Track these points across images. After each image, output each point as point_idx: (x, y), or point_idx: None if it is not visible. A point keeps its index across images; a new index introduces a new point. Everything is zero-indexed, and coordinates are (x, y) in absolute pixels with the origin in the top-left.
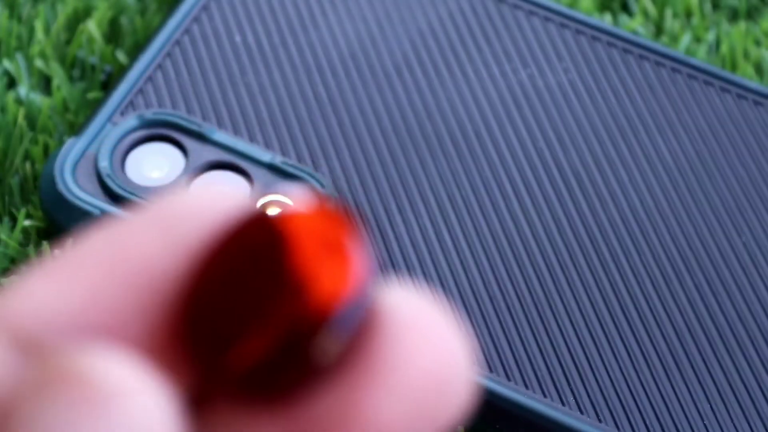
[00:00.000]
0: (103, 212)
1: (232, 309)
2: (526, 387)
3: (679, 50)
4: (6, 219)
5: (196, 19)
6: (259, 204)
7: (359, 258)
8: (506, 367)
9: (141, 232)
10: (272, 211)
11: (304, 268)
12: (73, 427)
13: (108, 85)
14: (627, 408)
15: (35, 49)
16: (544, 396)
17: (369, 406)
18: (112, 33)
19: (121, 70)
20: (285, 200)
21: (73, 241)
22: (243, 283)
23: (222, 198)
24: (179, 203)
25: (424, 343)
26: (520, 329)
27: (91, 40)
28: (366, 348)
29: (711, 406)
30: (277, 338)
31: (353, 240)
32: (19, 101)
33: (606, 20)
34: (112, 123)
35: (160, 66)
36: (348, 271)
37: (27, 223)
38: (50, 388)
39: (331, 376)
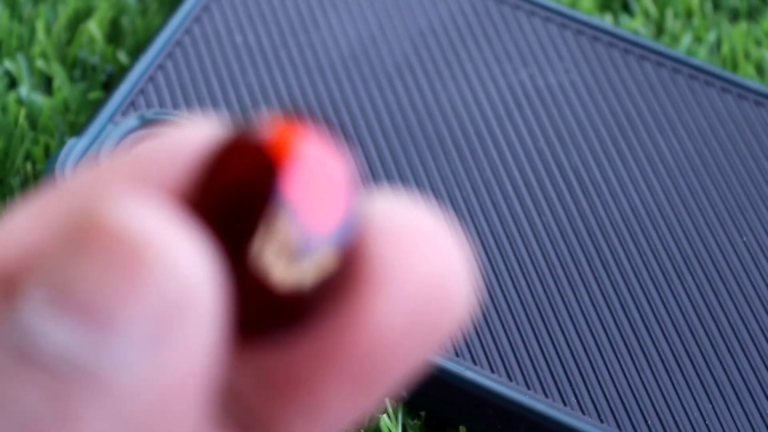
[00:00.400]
0: None
1: (229, 230)
2: (528, 387)
3: (680, 50)
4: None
5: (197, 19)
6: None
7: (342, 168)
8: (508, 367)
9: (116, 174)
10: (248, 136)
11: (293, 189)
12: (105, 289)
13: (109, 86)
14: (629, 408)
15: (36, 49)
16: (546, 396)
17: (370, 318)
18: (113, 33)
19: (122, 71)
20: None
21: (43, 189)
22: (235, 205)
23: (192, 134)
24: (153, 146)
25: (420, 251)
26: (522, 329)
27: (92, 40)
28: (363, 260)
29: (713, 406)
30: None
31: (330, 150)
32: (20, 101)
33: (607, 20)
34: (113, 123)
35: (161, 66)
36: (334, 184)
37: None
38: (76, 242)
39: (334, 293)
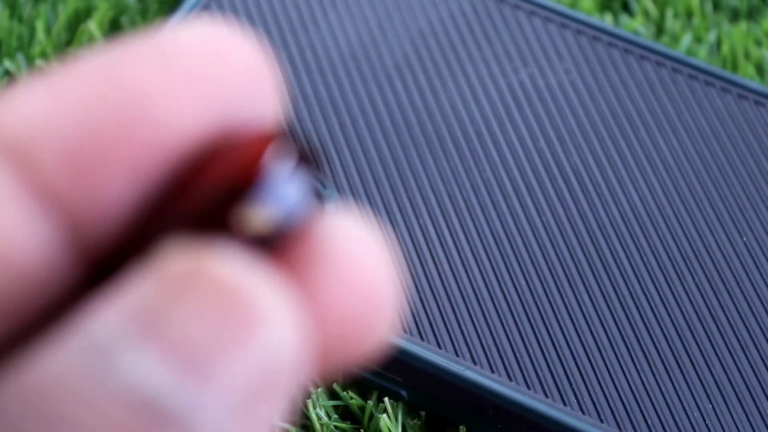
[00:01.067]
0: None
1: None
2: (528, 387)
3: (680, 50)
4: None
5: (198, 18)
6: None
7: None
8: (508, 367)
9: (138, 59)
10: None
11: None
12: (209, 339)
13: None
14: (629, 408)
15: (36, 49)
16: (546, 396)
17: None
18: (113, 33)
19: None
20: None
21: (66, 61)
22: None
23: (216, 36)
24: (176, 38)
25: (352, 270)
26: (522, 329)
27: (92, 40)
28: (302, 260)
29: (713, 406)
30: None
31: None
32: None
33: (607, 20)
34: None
35: None
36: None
37: None
38: (177, 284)
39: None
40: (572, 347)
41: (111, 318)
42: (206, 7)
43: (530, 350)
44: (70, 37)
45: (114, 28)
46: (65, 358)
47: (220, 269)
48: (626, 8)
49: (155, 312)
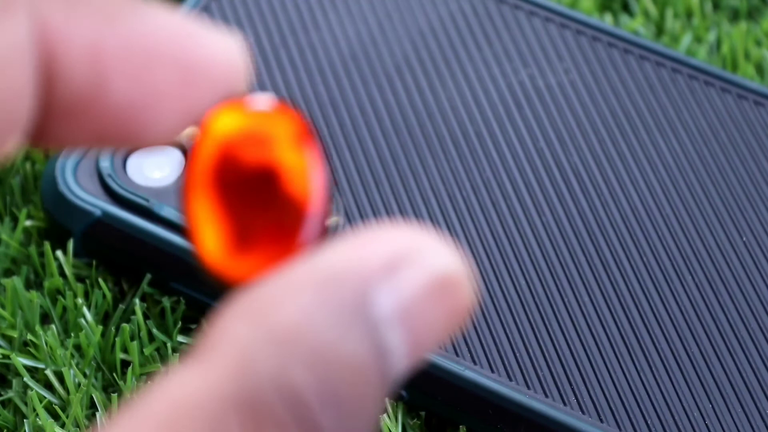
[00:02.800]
0: (105, 212)
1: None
2: (528, 387)
3: (680, 50)
4: (7, 219)
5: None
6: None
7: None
8: (508, 367)
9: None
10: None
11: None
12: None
13: None
14: (628, 408)
15: None
16: (546, 396)
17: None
18: None
19: None
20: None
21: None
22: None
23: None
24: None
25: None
26: (522, 329)
27: None
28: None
29: (712, 405)
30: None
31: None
32: None
33: (607, 20)
34: None
35: None
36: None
37: (28, 223)
38: (435, 285)
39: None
40: (572, 347)
41: (381, 300)
42: (206, 8)
43: (530, 350)
44: None
45: None
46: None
47: (456, 269)
48: (626, 8)
49: (415, 305)
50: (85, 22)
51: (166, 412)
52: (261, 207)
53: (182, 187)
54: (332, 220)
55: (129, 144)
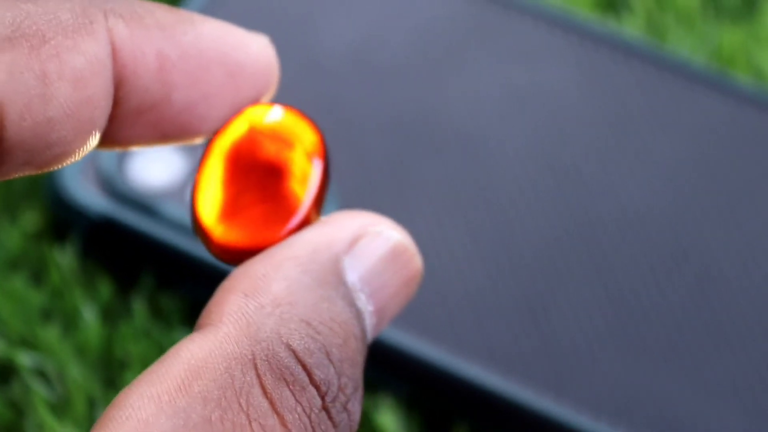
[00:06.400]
0: (106, 212)
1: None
2: (528, 386)
3: (680, 53)
4: (9, 220)
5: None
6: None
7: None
8: (508, 365)
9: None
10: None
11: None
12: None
13: None
14: (629, 407)
15: None
16: (546, 395)
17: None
18: None
19: None
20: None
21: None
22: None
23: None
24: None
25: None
26: (522, 328)
27: None
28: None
29: (712, 403)
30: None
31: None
32: None
33: (607, 22)
34: None
35: None
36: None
37: (30, 222)
38: (389, 256)
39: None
40: (572, 345)
41: (347, 273)
42: (206, 9)
43: (530, 348)
44: None
45: None
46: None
47: (403, 240)
48: (626, 10)
49: (375, 273)
50: (150, 37)
51: (185, 372)
52: (259, 192)
53: (203, 152)
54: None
55: (187, 139)
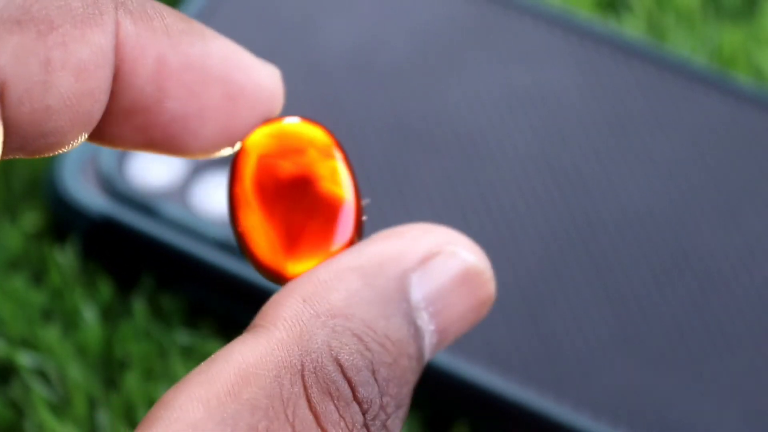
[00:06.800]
0: (106, 212)
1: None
2: (528, 386)
3: (680, 53)
4: (9, 220)
5: (199, 20)
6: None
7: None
8: (508, 365)
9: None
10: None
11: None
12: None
13: None
14: (629, 408)
15: None
16: (545, 395)
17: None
18: None
19: None
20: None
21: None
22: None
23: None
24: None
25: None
26: (522, 328)
27: None
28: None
29: (712, 404)
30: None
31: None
32: None
33: (607, 22)
34: None
35: None
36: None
37: (30, 223)
38: (459, 279)
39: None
40: (572, 346)
41: (412, 287)
42: (206, 10)
43: (530, 348)
44: None
45: None
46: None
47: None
48: (626, 10)
49: (440, 296)
50: (154, 39)
51: (235, 377)
52: (302, 209)
53: (230, 202)
54: (365, 217)
55: (173, 152)
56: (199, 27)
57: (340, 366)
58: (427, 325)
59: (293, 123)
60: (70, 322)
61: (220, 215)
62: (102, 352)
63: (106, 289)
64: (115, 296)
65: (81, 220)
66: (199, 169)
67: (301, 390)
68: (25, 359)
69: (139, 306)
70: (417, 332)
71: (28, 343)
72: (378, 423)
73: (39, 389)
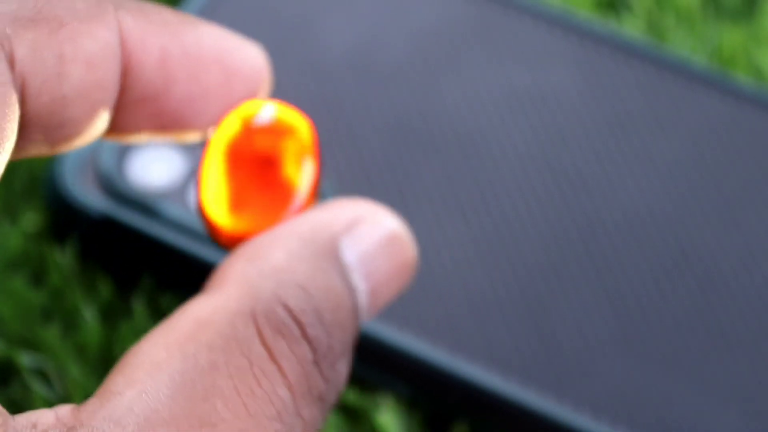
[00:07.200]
0: (105, 212)
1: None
2: (528, 386)
3: (680, 53)
4: (9, 220)
5: None
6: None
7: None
8: (508, 365)
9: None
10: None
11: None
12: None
13: None
14: (629, 408)
15: None
16: (545, 394)
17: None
18: None
19: None
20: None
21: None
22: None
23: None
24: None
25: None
26: (521, 327)
27: None
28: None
29: (712, 404)
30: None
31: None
32: None
33: (607, 22)
34: None
35: None
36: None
37: (29, 222)
38: (385, 240)
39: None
40: (572, 346)
41: (344, 252)
42: (207, 10)
43: (530, 348)
44: None
45: None
46: (305, 246)
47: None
48: (626, 11)
49: (371, 254)
50: (155, 32)
51: (190, 328)
52: (261, 185)
53: (204, 150)
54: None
55: (182, 131)
56: (189, 17)
57: (289, 310)
58: (359, 283)
59: (283, 107)
60: (69, 322)
61: None
62: (102, 352)
63: (105, 289)
64: (115, 296)
65: (81, 220)
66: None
67: (254, 330)
68: (25, 359)
69: (138, 306)
70: (351, 289)
71: (28, 343)
72: (327, 363)
73: (39, 389)
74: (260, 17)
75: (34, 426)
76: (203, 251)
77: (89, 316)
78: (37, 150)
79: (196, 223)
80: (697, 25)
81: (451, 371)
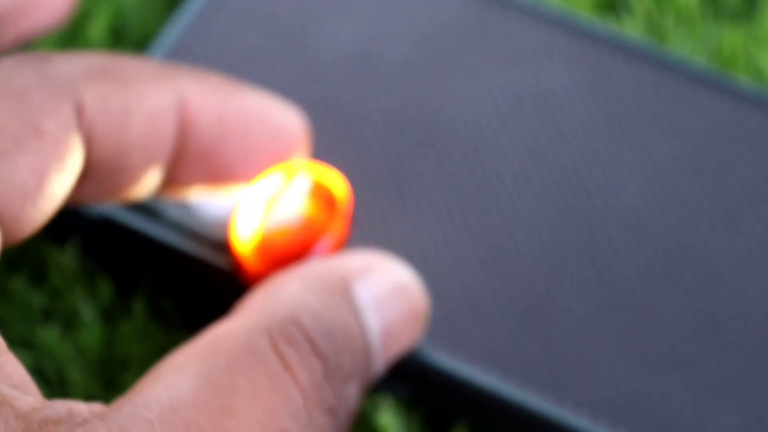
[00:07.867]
0: (106, 213)
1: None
2: (528, 386)
3: (679, 54)
4: None
5: (199, 21)
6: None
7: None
8: (508, 366)
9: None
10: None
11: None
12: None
13: None
14: (629, 409)
15: (36, 49)
16: (545, 395)
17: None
18: (115, 35)
19: None
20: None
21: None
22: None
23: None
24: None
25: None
26: (521, 328)
27: (93, 42)
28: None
29: (711, 405)
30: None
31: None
32: None
33: (607, 23)
34: None
35: None
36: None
37: None
38: (397, 291)
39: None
40: (572, 346)
41: (359, 292)
42: (207, 9)
43: (530, 349)
44: (71, 39)
45: (115, 29)
46: (324, 288)
47: (394, 268)
48: (626, 12)
49: (388, 299)
50: (211, 95)
51: (211, 341)
52: (291, 234)
53: (243, 196)
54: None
55: (231, 183)
56: (235, 83)
57: (302, 328)
58: (373, 323)
59: (320, 169)
60: (69, 323)
61: (221, 217)
62: (102, 353)
63: (105, 289)
64: (115, 297)
65: (81, 221)
66: None
67: (269, 343)
68: (24, 359)
69: (138, 306)
70: (363, 327)
71: (27, 344)
72: (336, 379)
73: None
74: (261, 17)
75: (70, 410)
76: (203, 252)
77: (89, 317)
78: (98, 194)
79: (196, 225)
80: (697, 25)
81: (450, 372)
